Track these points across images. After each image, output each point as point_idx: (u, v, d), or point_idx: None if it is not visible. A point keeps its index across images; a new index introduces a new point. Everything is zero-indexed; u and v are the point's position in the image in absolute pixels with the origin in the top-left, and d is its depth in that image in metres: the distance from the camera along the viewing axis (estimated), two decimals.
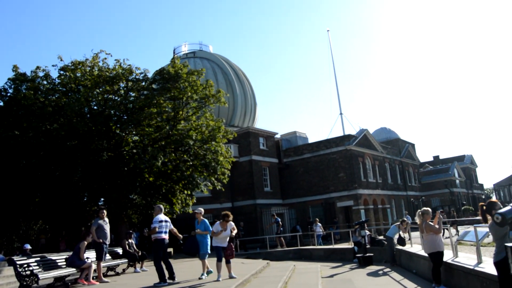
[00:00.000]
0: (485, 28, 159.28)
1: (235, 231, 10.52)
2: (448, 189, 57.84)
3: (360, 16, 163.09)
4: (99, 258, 11.07)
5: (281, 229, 26.72)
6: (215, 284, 9.28)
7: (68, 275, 10.66)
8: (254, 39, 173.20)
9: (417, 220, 9.66)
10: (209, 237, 10.58)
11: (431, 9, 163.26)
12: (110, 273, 13.15)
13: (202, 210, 10.95)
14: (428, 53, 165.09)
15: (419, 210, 9.73)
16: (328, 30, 51.78)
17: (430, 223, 9.28)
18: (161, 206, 10.30)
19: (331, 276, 13.29)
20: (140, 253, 14.48)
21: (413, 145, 55.00)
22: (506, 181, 78.64)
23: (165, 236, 9.93)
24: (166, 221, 9.98)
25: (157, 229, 9.64)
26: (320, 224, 25.95)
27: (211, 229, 10.40)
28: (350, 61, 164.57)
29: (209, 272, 10.61)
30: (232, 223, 10.42)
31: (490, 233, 6.34)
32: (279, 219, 26.65)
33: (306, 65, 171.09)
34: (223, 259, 10.12)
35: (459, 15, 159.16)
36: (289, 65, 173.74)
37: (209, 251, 10.55)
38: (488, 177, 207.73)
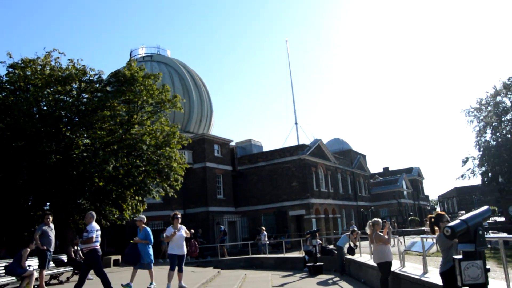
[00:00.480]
0: (433, 47, 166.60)
1: (188, 234, 10.33)
2: (396, 200, 59.69)
3: (318, 28, 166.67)
4: (42, 266, 10.55)
5: (225, 238, 26.57)
6: None
7: (7, 284, 10.08)
8: (213, 45, 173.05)
9: (368, 230, 9.86)
10: (151, 246, 10.30)
11: (385, 24, 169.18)
12: (53, 281, 12.59)
13: (144, 218, 10.61)
14: (380, 67, 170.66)
15: (369, 221, 9.93)
16: (286, 41, 52.48)
17: (380, 233, 9.49)
18: (94, 213, 9.55)
19: (282, 285, 13.32)
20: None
21: (364, 157, 56.45)
22: (450, 193, 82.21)
23: (98, 246, 9.24)
24: (99, 230, 9.37)
25: (94, 239, 8.96)
26: (266, 233, 25.98)
27: (151, 238, 10.11)
28: (307, 72, 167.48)
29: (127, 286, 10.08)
30: (184, 226, 10.25)
31: (437, 244, 6.55)
32: (223, 227, 26.58)
33: (264, 74, 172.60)
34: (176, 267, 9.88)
35: (411, 34, 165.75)
36: (247, 73, 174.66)
37: (153, 260, 10.27)
38: (433, 189, 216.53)
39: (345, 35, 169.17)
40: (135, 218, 10.49)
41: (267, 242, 25.56)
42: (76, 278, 13.51)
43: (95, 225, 9.13)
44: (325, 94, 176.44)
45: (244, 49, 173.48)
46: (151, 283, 10.11)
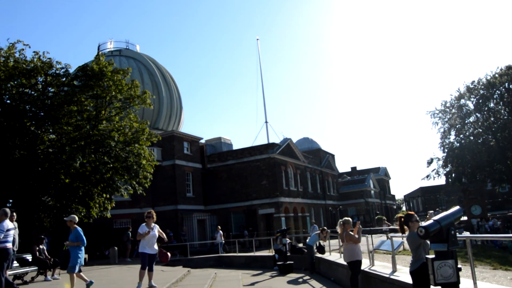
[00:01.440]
0: (401, 48, 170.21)
1: (163, 235, 10.09)
2: (364, 199, 60.70)
3: (289, 26, 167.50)
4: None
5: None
6: None
7: None
8: (183, 42, 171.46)
9: (338, 229, 9.92)
10: (83, 249, 9.62)
11: (353, 25, 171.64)
12: (17, 281, 12.12)
13: (75, 217, 9.91)
14: (349, 68, 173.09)
15: (340, 220, 9.99)
16: (257, 39, 52.37)
17: (351, 232, 9.57)
18: (7, 210, 8.83)
19: (252, 284, 13.29)
20: (52, 260, 13.53)
21: (333, 156, 57.11)
22: (416, 193, 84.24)
23: (10, 246, 8.76)
24: (12, 229, 8.84)
25: (1, 238, 8.39)
26: (221, 232, 25.87)
27: (83, 238, 9.48)
28: (277, 71, 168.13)
29: (89, 284, 9.58)
30: (157, 226, 10.01)
31: (407, 243, 6.64)
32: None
33: (235, 72, 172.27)
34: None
35: (378, 34, 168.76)
36: (217, 71, 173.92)
37: (79, 263, 9.43)
38: (399, 188, 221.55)
39: (315, 34, 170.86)
40: (65, 218, 9.75)
41: (223, 241, 25.32)
42: (41, 278, 13.11)
43: (6, 224, 8.62)
44: (295, 93, 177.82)
45: (215, 47, 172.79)
46: None
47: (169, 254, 10.54)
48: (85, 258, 20.49)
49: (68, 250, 9.49)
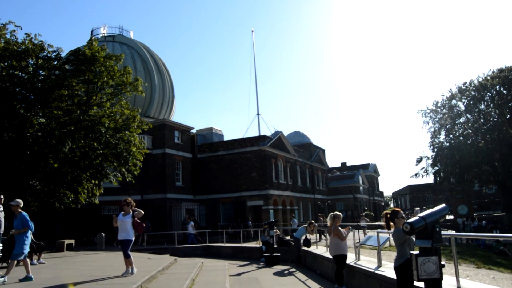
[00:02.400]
0: (393, 46, 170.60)
1: (137, 213, 9.77)
2: (353, 194, 61.08)
3: (284, 19, 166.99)
4: None
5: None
6: (120, 280, 8.88)
7: None
8: (178, 31, 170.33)
9: (328, 222, 9.97)
10: (29, 234, 9.07)
11: (346, 20, 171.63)
12: (1, 265, 12.08)
13: (20, 201, 9.28)
14: (342, 64, 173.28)
15: (331, 213, 10.05)
16: (252, 31, 52.47)
17: (340, 228, 9.63)
18: None
19: (239, 274, 13.36)
20: (38, 244, 13.48)
21: (323, 151, 57.30)
22: (404, 190, 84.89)
23: None
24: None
25: None
26: (192, 223, 25.64)
27: (29, 223, 8.98)
28: (271, 63, 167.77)
29: (27, 279, 8.86)
30: (139, 211, 9.82)
31: (392, 239, 6.71)
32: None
33: (228, 63, 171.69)
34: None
35: (371, 32, 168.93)
36: (211, 61, 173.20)
37: (24, 251, 8.87)
38: (388, 185, 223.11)
39: (310, 28, 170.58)
40: (9, 203, 9.24)
41: (194, 232, 25.11)
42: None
43: None
44: (288, 86, 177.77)
45: (210, 37, 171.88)
46: (2, 276, 8.75)
47: (144, 224, 10.31)
48: (71, 244, 20.59)
49: (13, 237, 8.98)
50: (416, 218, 4.72)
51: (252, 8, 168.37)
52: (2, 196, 10.54)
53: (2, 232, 10.43)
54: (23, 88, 16.73)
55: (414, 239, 5.75)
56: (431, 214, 4.84)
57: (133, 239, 9.85)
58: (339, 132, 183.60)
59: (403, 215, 6.55)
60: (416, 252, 4.77)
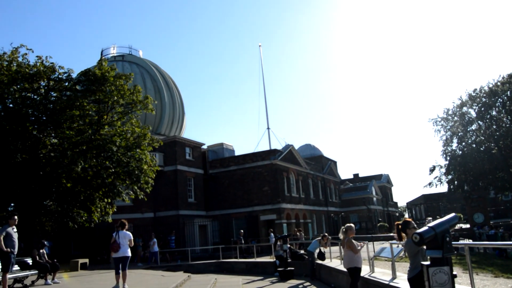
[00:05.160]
0: (403, 56, 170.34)
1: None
2: (366, 206, 60.51)
3: (291, 33, 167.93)
4: (5, 269, 10.16)
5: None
6: None
7: None
8: (186, 48, 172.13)
9: (341, 235, 9.86)
10: None
11: (356, 32, 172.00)
12: (17, 285, 12.17)
13: None
14: (352, 75, 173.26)
15: (343, 227, 9.96)
16: (260, 45, 52.61)
17: (353, 240, 9.54)
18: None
19: None
20: (52, 264, 13.56)
21: (335, 163, 57.03)
22: (418, 200, 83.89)
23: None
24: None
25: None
26: (155, 240, 24.47)
27: None
28: (279, 77, 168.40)
29: None
30: (128, 234, 10.96)
31: (405, 250, 6.64)
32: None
33: (237, 78, 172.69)
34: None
35: (381, 42, 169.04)
36: (220, 77, 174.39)
37: None
38: (402, 196, 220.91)
39: (318, 42, 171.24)
40: None
41: (157, 251, 23.95)
42: (41, 282, 13.12)
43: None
44: (297, 99, 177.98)
45: (218, 53, 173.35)
46: None
47: (118, 244, 10.96)
48: (86, 263, 20.63)
49: None
50: (425, 228, 4.69)
51: (259, 23, 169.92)
52: (16, 217, 10.68)
53: (16, 252, 10.55)
54: (35, 109, 17.00)
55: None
56: (440, 223, 4.80)
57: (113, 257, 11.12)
58: (351, 144, 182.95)
59: (415, 225, 6.48)
60: (427, 262, 4.73)
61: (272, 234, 28.63)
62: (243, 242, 27.41)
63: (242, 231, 29.16)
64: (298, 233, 28.05)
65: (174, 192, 32.66)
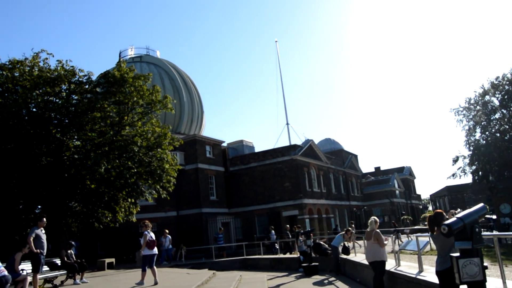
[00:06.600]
0: (423, 46, 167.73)
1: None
2: (389, 199, 59.94)
3: (308, 27, 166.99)
4: (36, 270, 10.40)
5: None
6: None
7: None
8: (203, 46, 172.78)
9: (369, 227, 9.70)
10: None
11: (375, 24, 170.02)
12: (47, 285, 12.44)
13: None
14: (371, 67, 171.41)
15: (371, 218, 9.85)
16: (276, 41, 52.34)
17: (381, 233, 9.44)
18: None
19: (278, 286, 13.31)
20: (80, 264, 13.81)
21: (356, 156, 56.62)
22: (442, 192, 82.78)
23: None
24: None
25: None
26: (169, 237, 23.97)
27: None
28: (297, 72, 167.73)
29: None
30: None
31: (434, 243, 6.52)
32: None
33: (255, 75, 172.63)
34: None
35: (400, 34, 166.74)
36: (237, 73, 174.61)
37: None
38: (425, 188, 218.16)
39: (335, 35, 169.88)
40: None
41: (170, 247, 23.86)
42: (70, 281, 13.38)
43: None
44: (315, 94, 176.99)
45: (234, 50, 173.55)
46: None
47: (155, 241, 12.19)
48: (112, 262, 20.93)
49: None
50: (454, 219, 4.60)
51: (275, 18, 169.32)
52: (44, 219, 10.91)
53: (45, 253, 10.79)
54: (57, 113, 17.27)
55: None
56: (469, 214, 4.71)
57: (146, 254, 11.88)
58: (371, 137, 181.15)
59: (447, 218, 6.37)
60: (456, 254, 4.64)
61: (273, 231, 28.27)
62: (275, 237, 27.44)
63: (272, 226, 29.25)
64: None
65: (196, 190, 32.90)
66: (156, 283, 11.48)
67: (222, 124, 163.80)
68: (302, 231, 19.58)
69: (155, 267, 11.89)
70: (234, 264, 21.70)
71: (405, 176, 72.97)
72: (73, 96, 18.14)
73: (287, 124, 45.87)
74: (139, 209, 19.73)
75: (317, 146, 42.47)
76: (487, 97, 42.00)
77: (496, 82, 41.08)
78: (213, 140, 36.14)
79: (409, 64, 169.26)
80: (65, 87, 17.89)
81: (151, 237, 11.86)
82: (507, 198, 35.69)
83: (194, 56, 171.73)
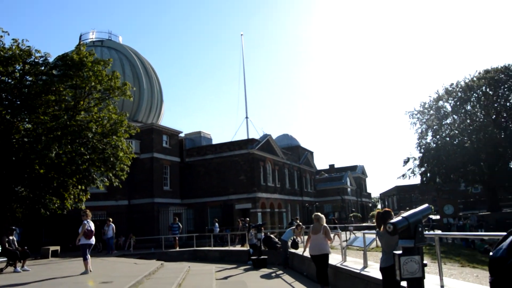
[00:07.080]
0: (381, 48, 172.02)
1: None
2: (340, 196, 61.39)
3: (271, 22, 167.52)
4: None
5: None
6: (106, 286, 8.85)
7: None
8: (167, 35, 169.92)
9: (318, 222, 9.78)
10: None
11: (333, 22, 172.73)
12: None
13: None
14: (329, 66, 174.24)
15: (317, 214, 9.99)
16: (242, 34, 52.23)
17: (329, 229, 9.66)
18: None
19: (226, 278, 13.40)
20: (22, 251, 13.29)
21: (311, 153, 57.56)
22: (391, 191, 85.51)
23: None
24: None
25: None
26: (113, 225, 23.40)
27: None
28: (259, 67, 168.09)
29: None
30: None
31: (379, 241, 6.77)
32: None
33: (217, 67, 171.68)
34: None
35: (358, 33, 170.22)
36: (200, 65, 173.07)
37: None
38: (375, 187, 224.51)
39: (297, 31, 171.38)
40: None
41: (111, 236, 23.35)
42: (11, 269, 12.88)
43: None
44: (276, 89, 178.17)
45: (199, 41, 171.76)
46: None
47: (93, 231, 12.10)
48: (57, 250, 20.36)
49: None
50: (399, 218, 4.80)
51: (241, 12, 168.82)
52: None
53: None
54: (9, 93, 16.56)
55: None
56: (414, 214, 4.91)
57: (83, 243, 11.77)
58: (327, 134, 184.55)
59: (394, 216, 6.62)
60: (399, 252, 4.85)
61: (216, 224, 28.21)
62: (218, 230, 27.46)
63: (216, 219, 29.23)
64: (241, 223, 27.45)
65: (149, 179, 32.49)
66: (86, 273, 11.42)
67: (181, 114, 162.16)
68: (253, 224, 19.75)
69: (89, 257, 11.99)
70: (184, 255, 21.64)
71: (358, 174, 74.93)
72: (27, 77, 17.42)
73: (247, 117, 46.06)
74: (89, 197, 19.25)
75: (275, 141, 42.86)
76: (440, 102, 43.64)
77: (450, 88, 42.78)
78: (170, 130, 35.74)
79: (368, 65, 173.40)
80: (19, 67, 17.13)
81: (90, 226, 11.80)
82: (451, 200, 37.43)
83: (157, 44, 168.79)
